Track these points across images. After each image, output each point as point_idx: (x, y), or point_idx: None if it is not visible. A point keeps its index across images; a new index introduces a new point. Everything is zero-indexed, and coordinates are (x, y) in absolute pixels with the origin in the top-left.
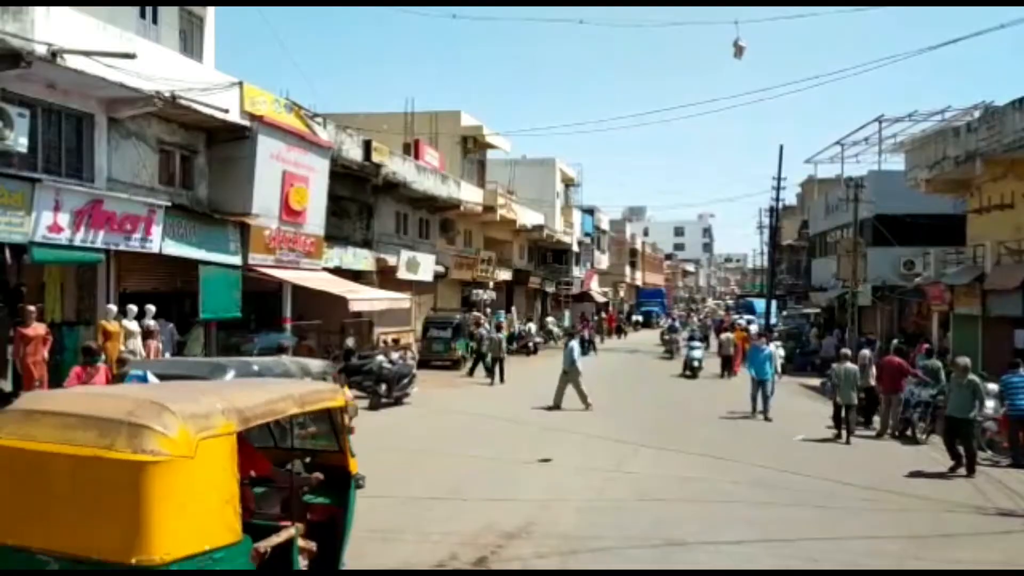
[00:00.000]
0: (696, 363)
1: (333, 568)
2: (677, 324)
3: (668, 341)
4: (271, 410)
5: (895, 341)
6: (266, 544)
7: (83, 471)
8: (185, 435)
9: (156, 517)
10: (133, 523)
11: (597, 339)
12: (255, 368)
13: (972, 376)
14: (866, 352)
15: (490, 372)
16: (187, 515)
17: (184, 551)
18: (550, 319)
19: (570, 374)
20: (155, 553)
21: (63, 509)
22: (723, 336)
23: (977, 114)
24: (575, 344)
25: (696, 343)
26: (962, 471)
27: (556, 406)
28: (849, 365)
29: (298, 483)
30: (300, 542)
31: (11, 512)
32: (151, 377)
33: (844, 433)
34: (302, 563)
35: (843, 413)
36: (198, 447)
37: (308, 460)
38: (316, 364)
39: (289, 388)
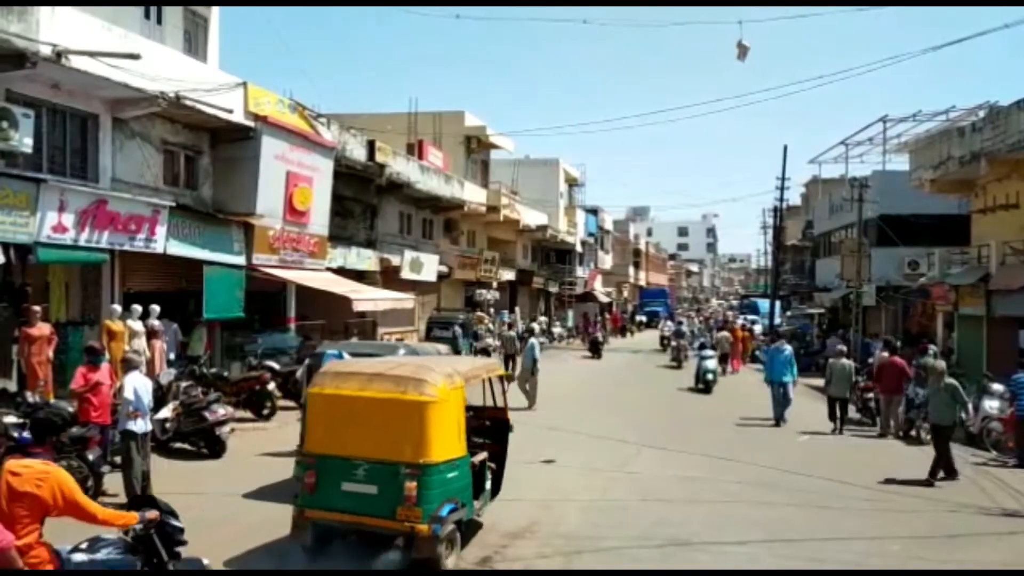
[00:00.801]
0: (710, 375)
1: (498, 483)
2: (685, 328)
3: (675, 348)
4: (475, 375)
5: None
6: (477, 459)
7: (383, 407)
8: (444, 387)
9: (431, 435)
10: (419, 438)
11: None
12: (415, 350)
13: (949, 380)
14: (885, 355)
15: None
16: (444, 435)
17: (444, 457)
18: (542, 319)
19: (531, 373)
20: (432, 456)
21: (369, 430)
22: (719, 334)
23: (982, 114)
24: (535, 342)
25: (708, 351)
26: (942, 475)
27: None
28: (844, 361)
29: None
30: (489, 463)
31: (333, 434)
32: (345, 355)
33: (838, 424)
34: (488, 476)
35: (836, 406)
36: (449, 394)
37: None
38: (444, 347)
39: (479, 362)
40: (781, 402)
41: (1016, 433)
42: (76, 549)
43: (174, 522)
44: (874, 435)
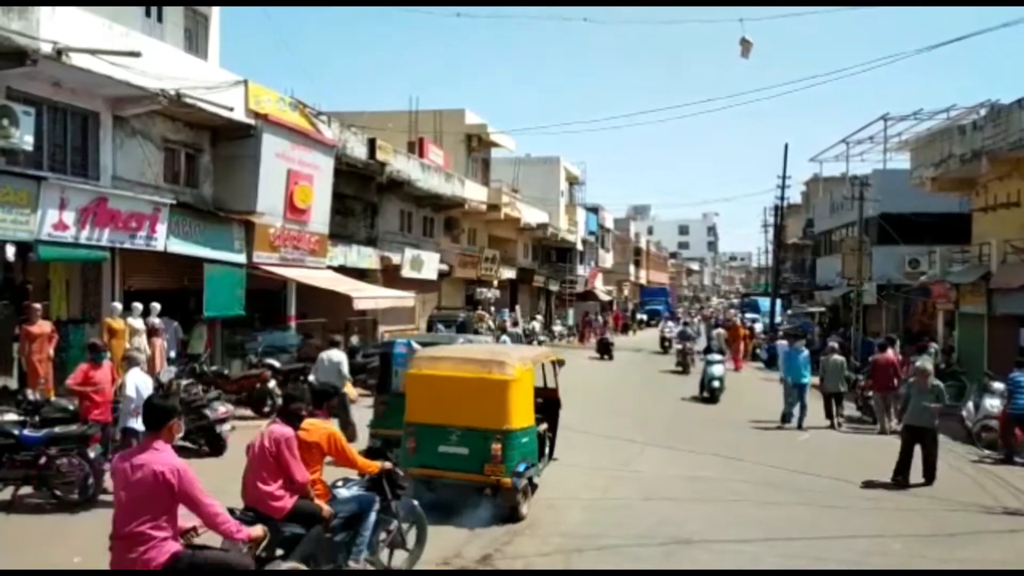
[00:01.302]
0: (716, 383)
1: (552, 449)
2: (691, 330)
3: (681, 351)
4: (538, 360)
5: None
6: (540, 428)
7: (472, 385)
8: (519, 368)
9: (511, 407)
10: (502, 409)
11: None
12: (470, 339)
13: (935, 382)
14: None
15: None
16: (520, 408)
17: (520, 425)
18: (539, 317)
19: None
20: (512, 424)
21: (461, 403)
22: (715, 331)
23: (983, 112)
24: (508, 340)
25: (716, 356)
26: (915, 479)
27: None
28: (835, 357)
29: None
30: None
31: (430, 407)
32: (415, 344)
33: (834, 420)
34: (547, 443)
35: (832, 401)
36: (523, 375)
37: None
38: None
39: (539, 350)
40: (795, 404)
41: (1004, 429)
42: (335, 485)
43: (399, 471)
44: (875, 433)
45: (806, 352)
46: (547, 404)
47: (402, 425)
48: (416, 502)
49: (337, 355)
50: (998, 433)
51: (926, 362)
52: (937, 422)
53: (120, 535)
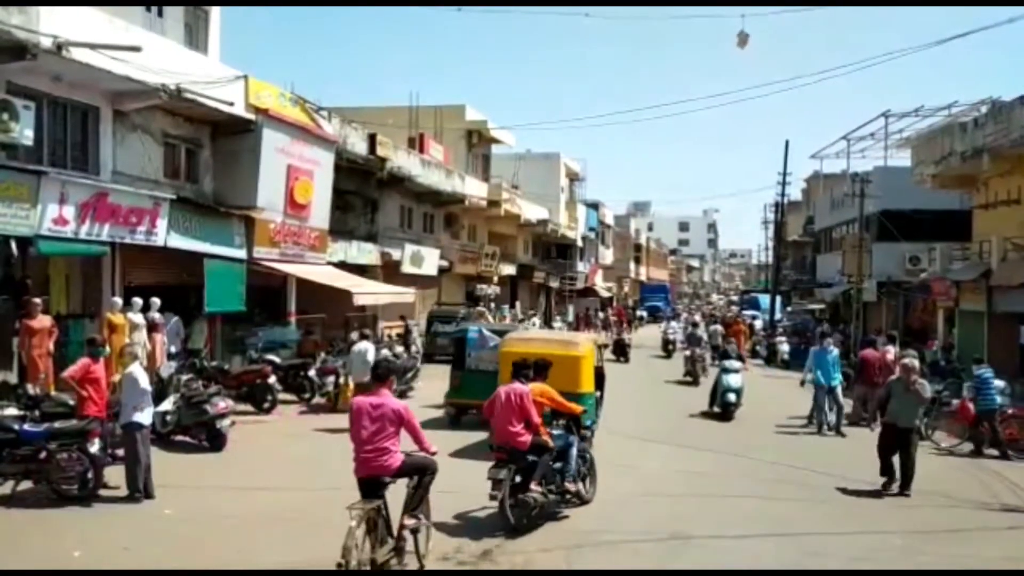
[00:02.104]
0: (732, 396)
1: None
2: (700, 332)
3: (690, 359)
4: (596, 343)
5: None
6: (598, 394)
7: (555, 359)
8: (588, 347)
9: (583, 375)
10: (578, 377)
11: (604, 335)
12: (535, 323)
13: (920, 380)
14: (890, 348)
15: None
16: (587, 376)
17: (589, 389)
18: (531, 312)
19: None
20: (585, 388)
21: (551, 373)
22: (712, 328)
23: (984, 109)
24: (368, 347)
25: (734, 362)
26: (895, 487)
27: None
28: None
29: None
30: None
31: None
32: (486, 332)
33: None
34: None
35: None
36: (590, 352)
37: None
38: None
39: (593, 335)
40: (830, 408)
41: (973, 423)
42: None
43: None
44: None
45: (836, 351)
46: (598, 376)
47: (473, 395)
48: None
49: (366, 346)
50: (960, 423)
51: (914, 359)
52: (919, 422)
53: (367, 449)
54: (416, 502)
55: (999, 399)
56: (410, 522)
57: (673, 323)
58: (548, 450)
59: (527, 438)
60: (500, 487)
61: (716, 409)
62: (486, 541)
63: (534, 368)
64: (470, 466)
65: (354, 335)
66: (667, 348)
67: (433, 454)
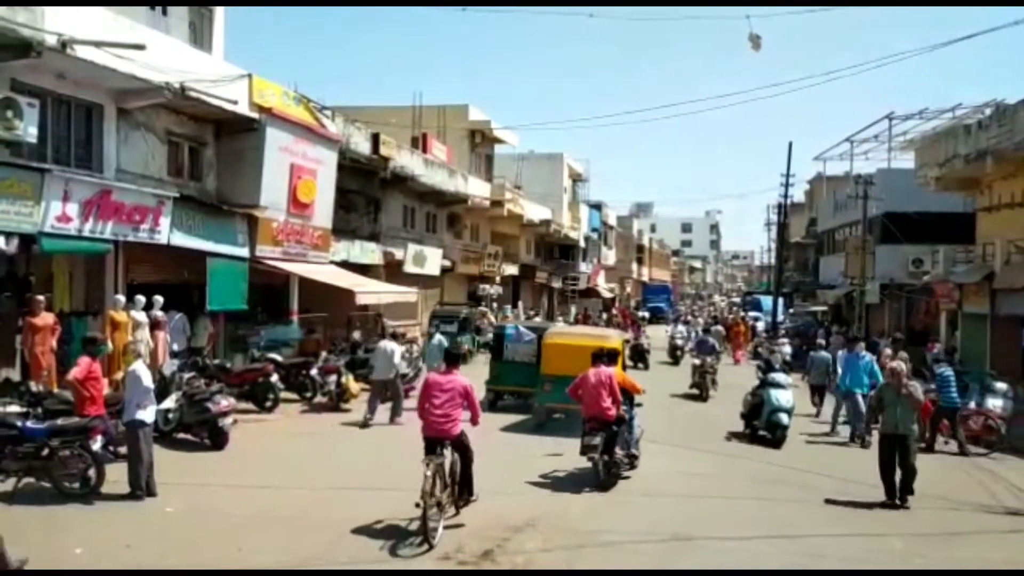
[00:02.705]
0: (785, 418)
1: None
2: (713, 340)
3: (700, 371)
4: (622, 338)
5: (898, 338)
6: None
7: (591, 351)
8: (619, 340)
9: (616, 363)
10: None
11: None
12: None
13: (912, 383)
14: (888, 352)
15: None
16: (619, 363)
17: (619, 377)
18: (531, 312)
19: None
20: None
21: (581, 361)
22: (713, 328)
23: (988, 112)
24: (442, 339)
25: (782, 375)
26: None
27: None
28: (822, 353)
29: None
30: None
31: (560, 363)
32: (522, 329)
33: (819, 408)
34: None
35: (815, 393)
36: (621, 344)
37: None
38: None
39: (619, 331)
40: (856, 416)
41: (932, 420)
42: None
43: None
44: (877, 431)
45: (868, 356)
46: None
47: (509, 383)
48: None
49: (392, 345)
50: (926, 424)
51: (902, 363)
52: (915, 427)
53: (436, 415)
54: (458, 479)
55: (957, 396)
56: (432, 500)
57: (680, 327)
58: (625, 421)
59: (614, 412)
60: (595, 451)
61: (762, 433)
62: (486, 540)
63: (607, 356)
64: (519, 438)
65: (383, 339)
66: (675, 354)
67: (477, 420)
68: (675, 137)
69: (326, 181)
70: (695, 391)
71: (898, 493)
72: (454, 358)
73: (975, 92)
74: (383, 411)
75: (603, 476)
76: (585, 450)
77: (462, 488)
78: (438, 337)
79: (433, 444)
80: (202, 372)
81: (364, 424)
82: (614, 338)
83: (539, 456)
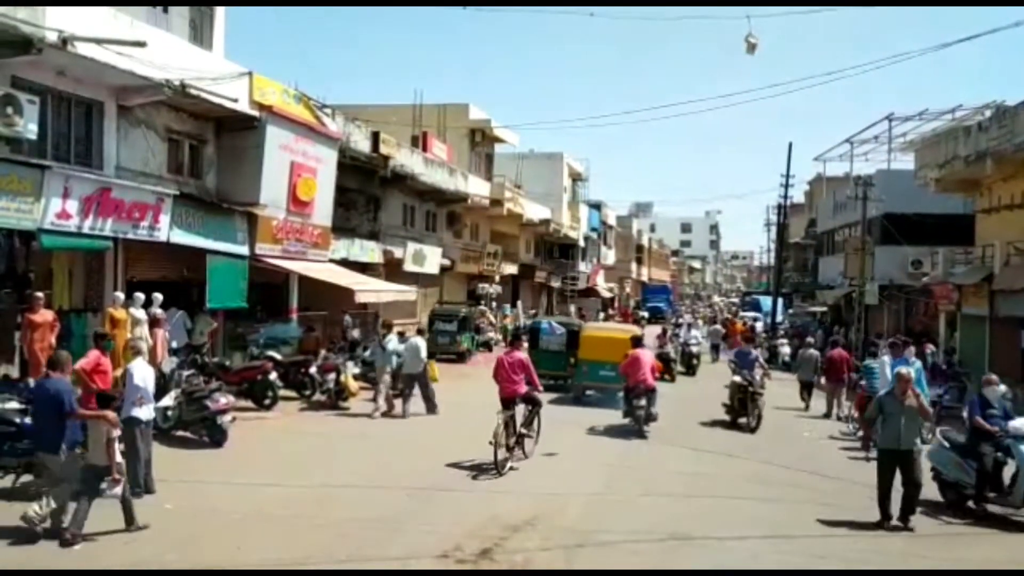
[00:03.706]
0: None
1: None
2: (755, 353)
3: (744, 392)
4: (641, 331)
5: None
6: None
7: (619, 340)
8: (640, 332)
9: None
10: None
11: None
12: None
13: (918, 391)
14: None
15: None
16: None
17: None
18: (531, 312)
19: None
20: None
21: (611, 348)
22: (712, 327)
23: (988, 113)
24: (421, 343)
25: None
26: (893, 522)
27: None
28: (811, 351)
29: None
30: None
31: (594, 350)
32: (554, 324)
33: (808, 403)
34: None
35: (804, 388)
36: (640, 334)
37: None
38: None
39: (635, 327)
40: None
41: (859, 410)
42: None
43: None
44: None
45: (919, 363)
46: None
47: (543, 368)
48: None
49: (420, 341)
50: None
51: (911, 368)
52: (920, 444)
53: (508, 378)
54: (529, 421)
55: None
56: (525, 431)
57: (694, 332)
58: (656, 390)
59: (652, 381)
60: (641, 410)
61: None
62: (485, 539)
63: (636, 342)
64: (558, 410)
65: (411, 332)
66: (690, 363)
67: (540, 390)
68: (675, 137)
69: (326, 179)
70: (734, 418)
71: (899, 512)
72: (516, 338)
73: (975, 93)
74: (383, 408)
75: (643, 425)
76: (632, 409)
77: (528, 427)
78: (417, 340)
79: (506, 402)
80: (201, 370)
81: (400, 416)
82: (636, 330)
83: (538, 455)
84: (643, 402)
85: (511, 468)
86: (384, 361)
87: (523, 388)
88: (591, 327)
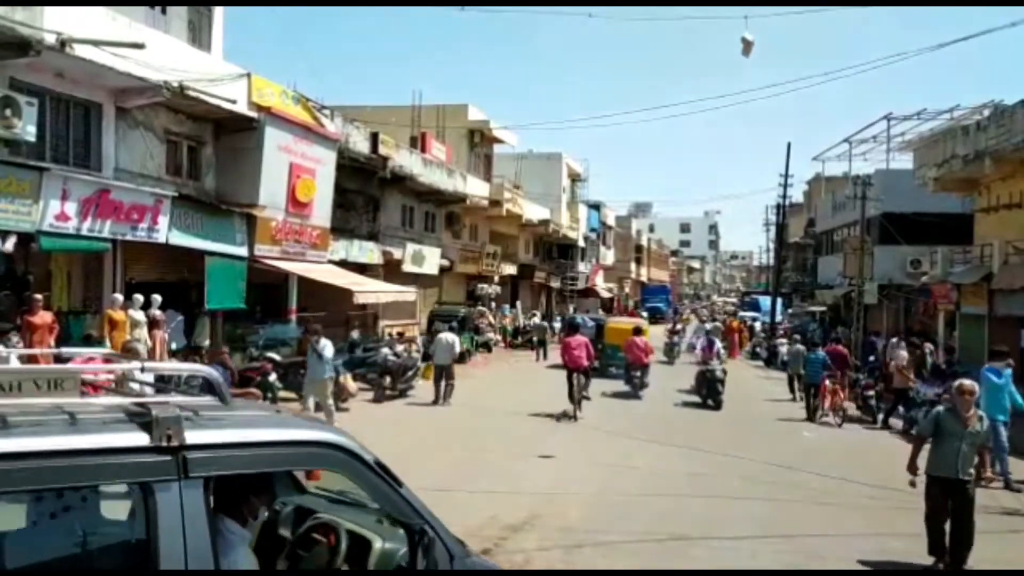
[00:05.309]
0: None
1: None
2: (719, 346)
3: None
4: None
5: (897, 342)
6: None
7: (631, 330)
8: (646, 326)
9: (646, 337)
10: (644, 342)
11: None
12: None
13: (980, 412)
14: (903, 355)
15: (537, 349)
16: (647, 337)
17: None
18: (535, 315)
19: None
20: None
21: (628, 335)
22: (711, 325)
23: (986, 113)
24: (454, 339)
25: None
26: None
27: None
28: (798, 346)
29: None
30: None
31: (617, 337)
32: (586, 318)
33: (796, 396)
34: None
35: (794, 382)
36: (648, 329)
37: None
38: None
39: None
40: (1001, 449)
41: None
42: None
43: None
44: (875, 428)
45: (1008, 372)
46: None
47: None
48: None
49: (452, 337)
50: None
51: (973, 382)
52: (972, 472)
53: (574, 356)
54: (585, 386)
55: (819, 374)
56: (579, 395)
57: (717, 344)
58: (648, 365)
59: (646, 359)
60: (636, 379)
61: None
62: (484, 539)
63: (636, 331)
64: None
65: (441, 331)
66: (715, 394)
67: (595, 364)
68: (674, 137)
69: (325, 180)
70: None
71: (949, 550)
72: (575, 327)
73: (974, 93)
74: (392, 405)
75: (639, 390)
76: (631, 378)
77: (584, 390)
78: (448, 336)
79: (571, 372)
80: None
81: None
82: (643, 324)
83: (536, 456)
84: (638, 374)
85: (581, 417)
86: (320, 373)
87: (586, 362)
88: (611, 321)
